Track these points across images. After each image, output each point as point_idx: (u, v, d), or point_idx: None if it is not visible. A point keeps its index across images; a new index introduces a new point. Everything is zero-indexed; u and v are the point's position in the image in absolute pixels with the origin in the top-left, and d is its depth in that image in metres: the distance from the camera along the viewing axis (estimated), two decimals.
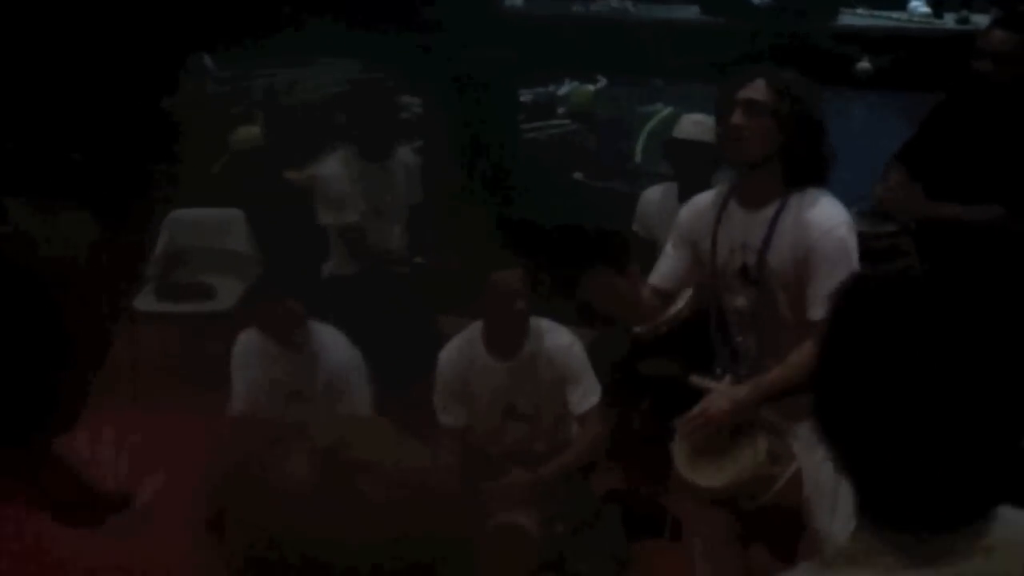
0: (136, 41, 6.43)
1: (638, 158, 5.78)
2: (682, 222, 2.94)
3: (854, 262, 2.65)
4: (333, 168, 4.58)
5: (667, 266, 2.94)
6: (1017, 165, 3.48)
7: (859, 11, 6.75)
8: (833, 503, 2.74)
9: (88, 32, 6.40)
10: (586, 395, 3.44)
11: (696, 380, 2.78)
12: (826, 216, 2.66)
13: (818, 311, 2.59)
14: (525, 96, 6.29)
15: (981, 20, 6.22)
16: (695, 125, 4.15)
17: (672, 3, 7.19)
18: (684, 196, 4.13)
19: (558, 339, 3.45)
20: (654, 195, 4.29)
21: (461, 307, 3.79)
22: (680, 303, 3.94)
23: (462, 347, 3.52)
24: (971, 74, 3.54)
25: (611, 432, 3.80)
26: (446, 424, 3.54)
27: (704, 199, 2.91)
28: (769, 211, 2.71)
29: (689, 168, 4.12)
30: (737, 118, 2.66)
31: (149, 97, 6.45)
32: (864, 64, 6.36)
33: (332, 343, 3.73)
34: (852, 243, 2.66)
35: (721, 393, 2.71)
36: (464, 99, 5.36)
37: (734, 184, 2.82)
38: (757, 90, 2.67)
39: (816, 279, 2.62)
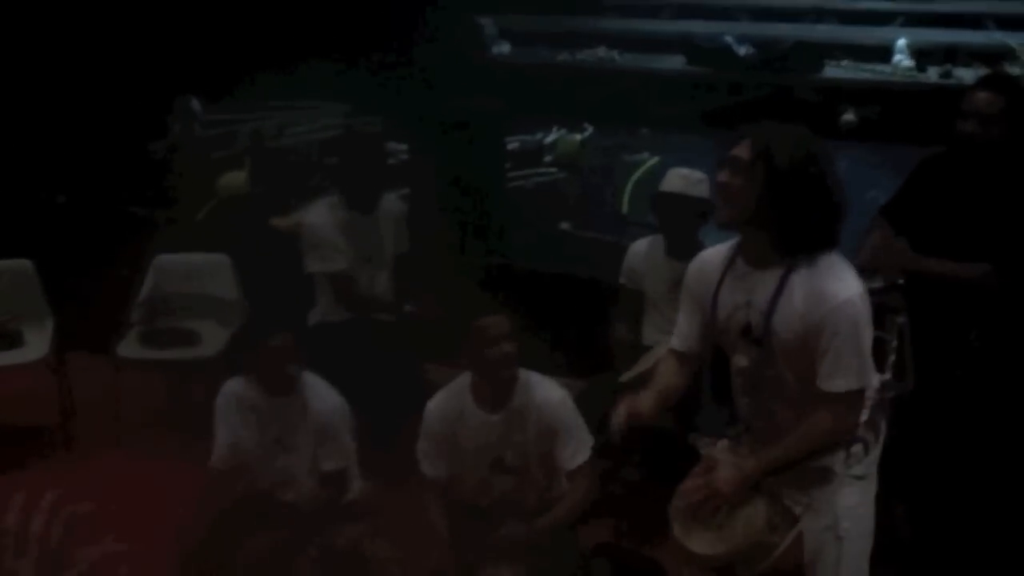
0: (123, 84, 6.43)
1: (625, 208, 5.80)
2: (689, 279, 2.87)
3: (867, 334, 2.59)
4: (320, 215, 4.57)
5: (683, 328, 2.87)
6: (1002, 224, 3.50)
7: (843, 63, 6.82)
8: (836, 569, 2.71)
9: (75, 74, 6.40)
10: (577, 451, 3.41)
11: (701, 446, 2.74)
12: (839, 286, 2.56)
13: (830, 383, 2.56)
14: (511, 144, 6.31)
15: (964, 74, 6.31)
16: (681, 179, 4.16)
17: (658, 53, 7.26)
18: (672, 249, 4.16)
19: (548, 393, 3.43)
20: (640, 247, 4.30)
21: (448, 356, 3.76)
22: (662, 350, 3.95)
23: (450, 398, 3.49)
24: (956, 134, 3.55)
25: (600, 484, 3.78)
26: (429, 475, 3.50)
27: (711, 256, 2.83)
28: (776, 271, 2.61)
29: (676, 222, 4.15)
30: (721, 175, 2.63)
31: (136, 140, 6.45)
32: (848, 116, 6.41)
33: (317, 391, 3.70)
34: (865, 314, 2.58)
35: (729, 464, 2.65)
36: (450, 146, 5.37)
37: (740, 241, 2.73)
38: (742, 148, 2.60)
39: (828, 351, 2.55)
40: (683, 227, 4.11)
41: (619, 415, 2.78)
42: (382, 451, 3.88)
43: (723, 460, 2.65)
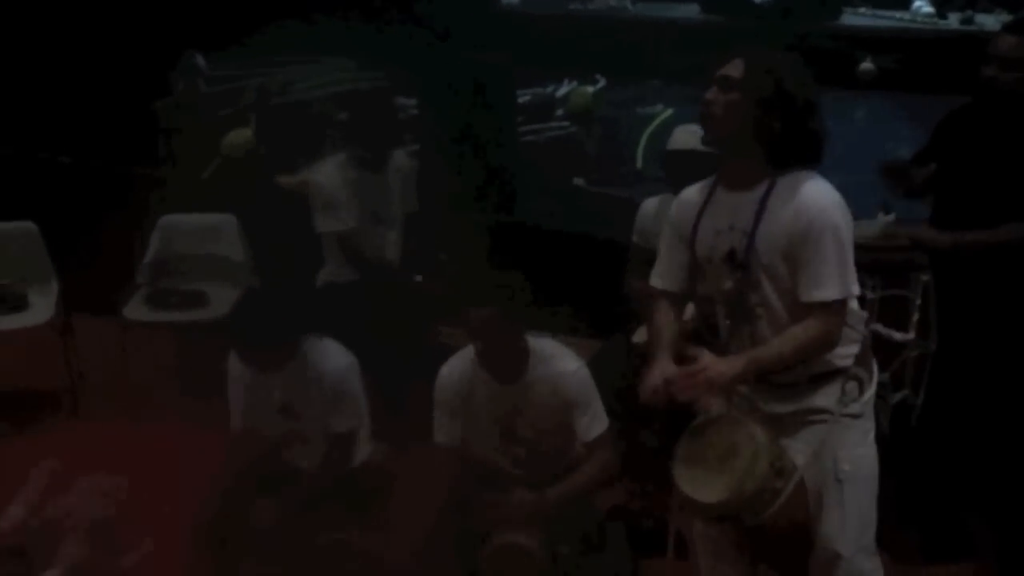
0: (126, 41, 6.34)
1: (639, 163, 5.69)
2: (672, 215, 2.88)
3: (848, 243, 2.59)
4: (329, 174, 4.48)
5: (668, 265, 2.87)
6: None
7: (862, 11, 6.70)
8: (841, 521, 2.69)
9: (76, 32, 6.31)
10: (594, 422, 3.33)
11: (693, 350, 2.68)
12: (817, 198, 2.59)
13: (812, 293, 2.57)
14: (523, 97, 6.19)
15: (986, 20, 6.18)
16: (690, 135, 4.01)
17: (672, 1, 7.13)
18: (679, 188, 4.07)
19: (563, 365, 3.35)
20: (651, 205, 4.21)
21: (458, 317, 3.69)
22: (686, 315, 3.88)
23: (463, 366, 3.42)
24: (979, 80, 3.47)
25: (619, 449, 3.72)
26: (440, 442, 3.45)
27: (691, 190, 2.86)
28: (756, 193, 2.64)
29: (687, 179, 4.03)
30: (710, 93, 2.62)
31: (140, 98, 6.37)
32: (867, 65, 6.29)
33: (327, 352, 3.63)
34: (845, 223, 2.60)
35: (719, 359, 2.62)
36: (460, 101, 5.26)
37: (720, 170, 2.76)
38: (733, 67, 2.62)
39: (809, 260, 2.57)
40: (694, 183, 4.01)
41: (648, 391, 2.70)
42: (391, 413, 3.82)
43: (707, 355, 2.62)
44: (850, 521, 2.71)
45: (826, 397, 2.70)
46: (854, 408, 2.72)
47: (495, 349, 3.27)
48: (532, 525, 3.30)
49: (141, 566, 1.32)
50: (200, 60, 6.77)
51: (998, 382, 3.44)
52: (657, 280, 2.88)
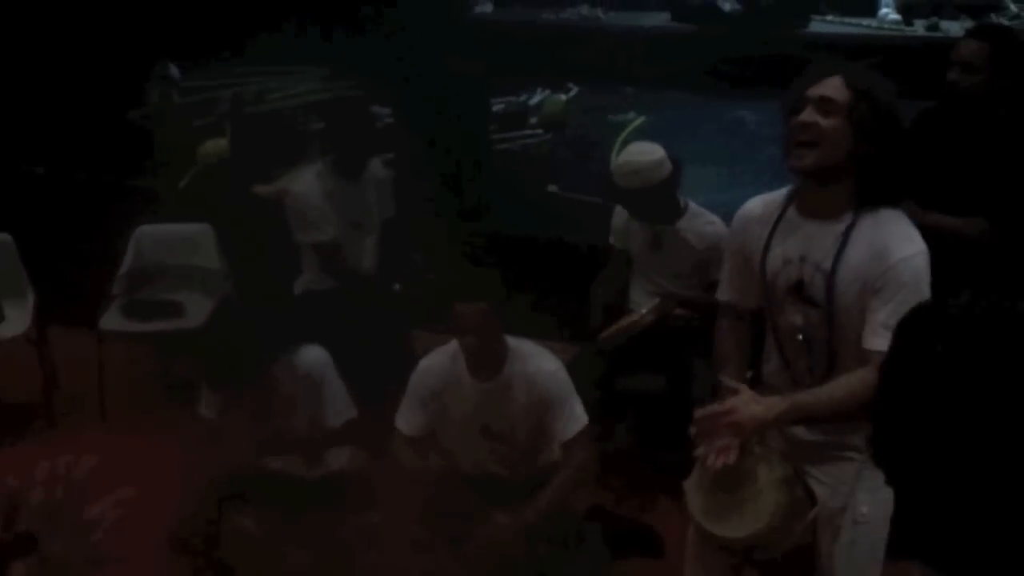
0: (100, 51, 6.33)
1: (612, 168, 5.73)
2: (735, 230, 2.69)
3: (927, 294, 2.37)
4: (307, 185, 4.49)
5: (733, 280, 2.70)
6: (992, 174, 3.48)
7: (829, 18, 6.77)
8: (850, 562, 2.60)
9: (50, 43, 6.30)
10: (571, 421, 3.36)
11: (726, 381, 2.52)
12: (905, 242, 2.39)
13: (877, 341, 2.35)
14: (496, 106, 6.23)
15: (951, 27, 6.26)
16: (636, 176, 3.94)
17: (642, 10, 7.19)
18: (641, 218, 4.10)
19: (541, 364, 3.38)
20: (623, 211, 4.25)
21: (435, 322, 3.72)
22: (643, 309, 3.92)
23: (443, 361, 3.45)
24: (944, 86, 3.56)
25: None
26: (398, 427, 3.45)
27: (758, 206, 2.63)
28: (837, 226, 2.43)
29: (642, 209, 4.08)
30: (807, 115, 2.37)
31: (114, 109, 6.36)
32: None
33: (293, 356, 3.62)
34: (927, 274, 2.39)
35: (755, 399, 2.41)
36: (434, 109, 5.29)
37: (794, 190, 2.54)
38: (834, 87, 2.38)
39: (883, 307, 2.36)
40: (647, 211, 4.06)
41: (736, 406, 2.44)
42: (368, 420, 3.84)
43: (747, 393, 2.44)
44: (858, 562, 2.61)
45: (857, 434, 2.50)
46: None
47: (481, 345, 3.29)
48: (509, 549, 3.33)
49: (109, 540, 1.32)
50: (174, 70, 6.76)
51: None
52: (725, 293, 2.74)
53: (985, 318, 1.17)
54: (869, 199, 2.43)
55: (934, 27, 6.44)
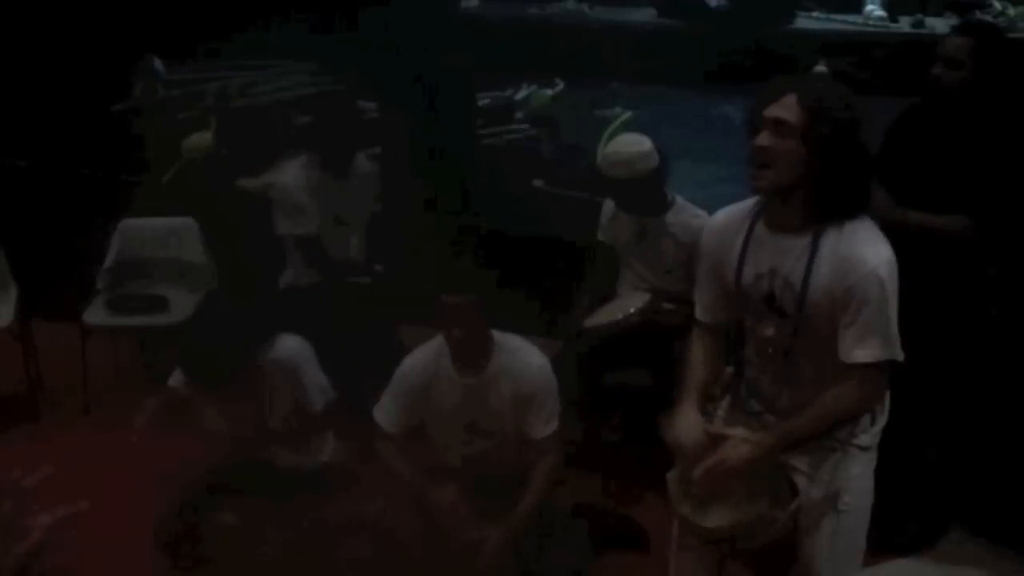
0: (84, 44, 6.29)
1: (599, 164, 5.72)
2: (706, 246, 2.73)
3: (895, 302, 2.45)
4: (292, 177, 4.48)
5: (704, 299, 2.75)
6: (975, 171, 3.49)
7: (815, 14, 6.78)
8: (831, 550, 2.63)
9: (34, 36, 6.25)
10: (549, 421, 3.35)
11: (715, 431, 2.59)
12: (869, 253, 2.44)
13: (856, 354, 2.44)
14: (482, 100, 6.21)
15: (936, 24, 6.28)
16: (623, 167, 3.97)
17: (629, 5, 7.18)
18: (628, 210, 4.10)
19: (527, 359, 3.38)
20: (610, 203, 4.26)
21: (421, 317, 3.71)
22: (631, 309, 3.91)
23: (428, 356, 3.44)
24: (928, 79, 3.56)
25: (579, 444, 3.76)
26: (380, 423, 3.43)
27: (727, 221, 2.67)
28: (803, 239, 2.49)
29: (628, 200, 4.09)
30: (763, 139, 2.43)
31: (98, 102, 6.32)
32: (821, 68, 6.37)
33: (269, 346, 3.61)
34: (893, 283, 2.44)
35: (744, 440, 2.50)
36: (420, 104, 5.28)
37: (762, 204, 2.58)
38: (787, 108, 2.42)
39: (856, 321, 2.43)
40: (636, 200, 4.07)
41: (669, 440, 2.61)
42: (354, 416, 3.83)
43: (734, 435, 2.52)
44: (840, 551, 2.65)
45: (838, 424, 2.59)
46: (863, 440, 2.64)
47: (466, 337, 3.28)
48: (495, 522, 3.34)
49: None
50: (158, 64, 6.72)
51: (941, 378, 3.49)
52: (698, 312, 2.78)
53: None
54: (830, 213, 2.47)
55: (919, 24, 6.45)
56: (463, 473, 3.46)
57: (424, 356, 3.45)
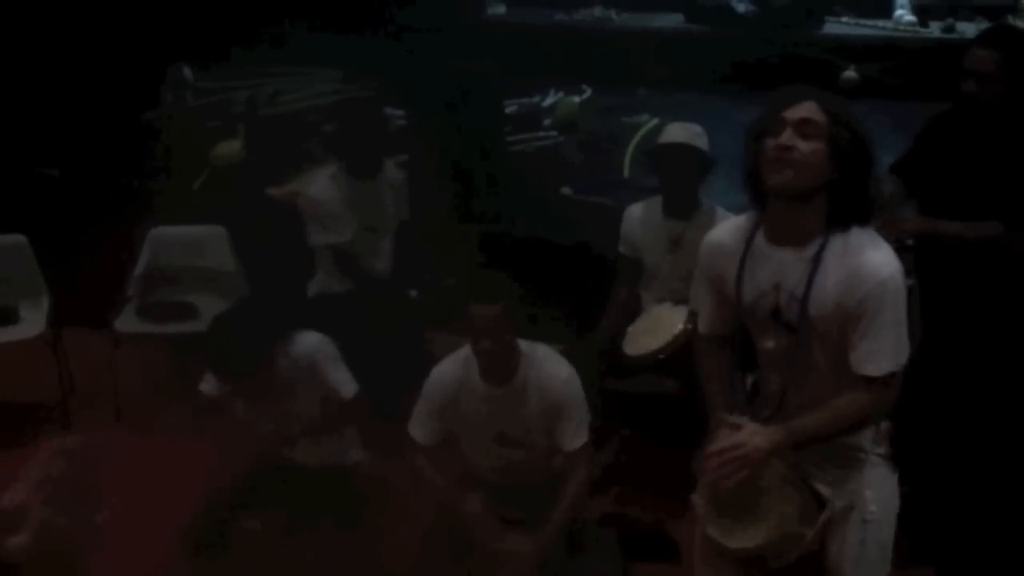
0: (115, 53, 6.35)
1: (626, 172, 5.71)
2: (705, 260, 2.71)
3: (903, 312, 2.45)
4: (322, 187, 4.50)
5: (707, 312, 2.74)
6: (1011, 181, 3.45)
7: (844, 20, 6.75)
8: (857, 560, 2.62)
9: (65, 45, 6.32)
10: (578, 432, 3.35)
11: (734, 419, 2.57)
12: (878, 264, 2.43)
13: (868, 367, 2.44)
14: (510, 107, 6.22)
15: (967, 28, 6.24)
16: (683, 130, 4.10)
17: (656, 11, 7.17)
18: (670, 207, 4.10)
19: (555, 370, 3.37)
20: (636, 212, 4.23)
21: (451, 325, 3.71)
22: (675, 330, 3.84)
23: (455, 367, 3.44)
24: (959, 93, 3.51)
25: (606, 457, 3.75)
26: (415, 436, 3.44)
27: (725, 235, 2.65)
28: (807, 252, 2.46)
29: (678, 174, 4.06)
30: (788, 138, 2.40)
31: (128, 111, 6.38)
32: (850, 73, 6.34)
33: (296, 340, 3.62)
34: (903, 293, 2.45)
35: (758, 431, 2.46)
36: (448, 111, 5.29)
37: (760, 217, 2.55)
38: (810, 110, 2.42)
39: (866, 332, 2.42)
40: (685, 180, 4.05)
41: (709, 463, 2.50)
42: (382, 422, 3.84)
43: (749, 427, 2.49)
44: (868, 561, 2.64)
45: (861, 434, 2.59)
46: (885, 448, 2.64)
47: (494, 348, 3.28)
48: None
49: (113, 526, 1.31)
50: (187, 72, 6.78)
51: (976, 386, 3.47)
52: (701, 325, 2.78)
53: None
54: (839, 221, 2.46)
55: (950, 29, 6.42)
56: (493, 483, 3.46)
57: (453, 367, 3.45)
